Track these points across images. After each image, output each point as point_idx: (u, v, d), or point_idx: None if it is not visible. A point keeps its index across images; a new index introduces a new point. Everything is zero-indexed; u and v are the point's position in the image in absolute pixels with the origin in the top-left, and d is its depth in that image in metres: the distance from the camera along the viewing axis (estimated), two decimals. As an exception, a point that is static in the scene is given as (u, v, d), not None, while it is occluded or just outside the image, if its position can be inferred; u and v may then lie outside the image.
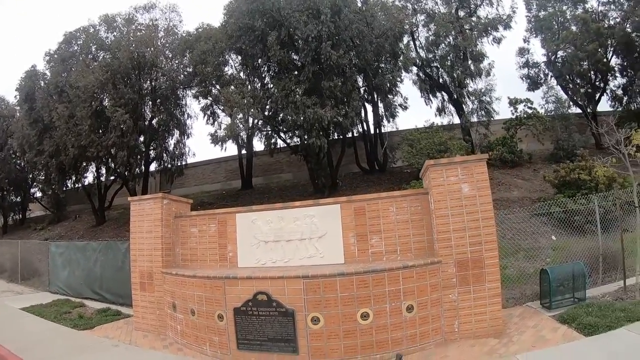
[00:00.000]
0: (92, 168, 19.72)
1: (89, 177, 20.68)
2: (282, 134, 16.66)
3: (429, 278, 5.95)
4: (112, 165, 16.63)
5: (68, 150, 16.28)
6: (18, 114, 21.59)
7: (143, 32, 17.21)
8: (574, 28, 18.74)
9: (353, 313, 5.59)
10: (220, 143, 14.72)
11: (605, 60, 19.06)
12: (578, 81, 19.63)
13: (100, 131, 16.40)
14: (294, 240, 7.15)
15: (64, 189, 19.77)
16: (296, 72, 14.18)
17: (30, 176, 23.32)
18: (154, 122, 17.82)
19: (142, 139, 17.47)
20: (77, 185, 20.79)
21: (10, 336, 7.72)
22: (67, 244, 13.23)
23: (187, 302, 6.75)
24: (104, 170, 19.45)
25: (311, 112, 12.87)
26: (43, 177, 20.65)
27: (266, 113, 14.45)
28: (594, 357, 4.84)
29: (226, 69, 17.51)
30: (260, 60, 15.20)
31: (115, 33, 17.82)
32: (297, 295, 5.71)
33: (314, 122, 13.04)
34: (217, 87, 16.45)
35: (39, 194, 24.80)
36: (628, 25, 18.71)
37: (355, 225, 6.93)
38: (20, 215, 25.34)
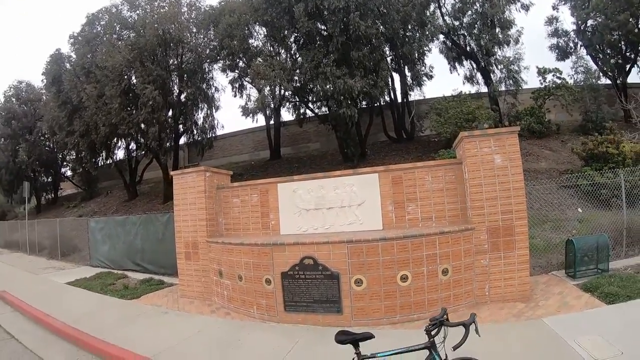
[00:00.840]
0: (122, 144, 20.56)
1: (120, 154, 21.57)
2: (310, 105, 17.04)
3: (463, 244, 6.45)
4: (143, 140, 17.24)
5: (99, 129, 16.95)
6: (45, 98, 22.53)
7: (166, 8, 17.52)
8: (605, -5, 18.19)
9: (393, 275, 6.15)
10: (251, 115, 15.19)
11: (637, 30, 18.53)
12: (608, 51, 19.17)
13: (130, 108, 17.02)
14: (334, 208, 7.73)
15: (96, 166, 20.64)
16: (324, 43, 14.38)
17: (60, 156, 24.41)
18: (182, 96, 18.36)
19: (170, 113, 18.05)
20: (107, 162, 21.75)
21: (61, 310, 8.28)
22: (106, 219, 14.11)
23: (235, 269, 7.42)
24: (133, 146, 20.33)
25: (341, 82, 13.16)
26: (74, 157, 21.61)
27: (295, 84, 14.73)
28: (614, 323, 5.22)
29: (252, 41, 17.77)
30: (287, 31, 15.39)
31: (138, 11, 18.12)
32: (342, 259, 6.29)
33: (344, 93, 13.32)
34: (244, 60, 16.78)
35: (69, 173, 25.97)
36: None
37: (392, 194, 7.44)
38: (53, 195, 26.69)
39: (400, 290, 6.13)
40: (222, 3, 18.33)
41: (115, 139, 19.26)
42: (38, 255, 16.92)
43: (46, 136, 23.25)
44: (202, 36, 18.11)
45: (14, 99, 25.32)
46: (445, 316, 3.26)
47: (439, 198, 7.18)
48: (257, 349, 5.55)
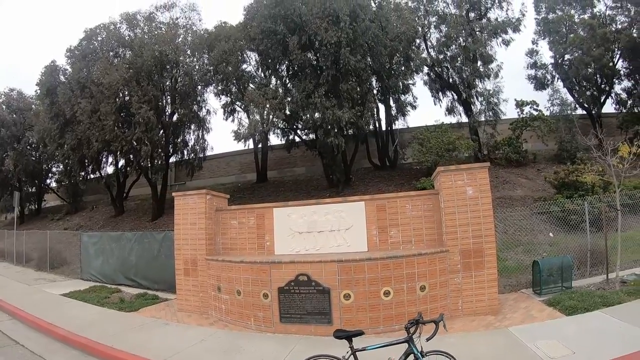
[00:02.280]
0: (112, 160, 21.39)
1: (109, 169, 22.32)
2: (298, 131, 18.26)
3: (438, 264, 7.62)
4: (136, 159, 18.08)
5: (92, 144, 17.80)
6: (34, 107, 23.23)
7: (164, 30, 18.73)
8: (581, 32, 20.18)
9: (377, 291, 7.24)
10: (243, 140, 16.29)
11: (611, 64, 20.53)
12: (584, 83, 21.12)
13: (124, 126, 17.96)
14: (324, 232, 8.86)
15: (85, 180, 21.32)
16: (315, 74, 15.70)
17: (45, 167, 24.96)
18: (174, 117, 19.40)
19: (162, 133, 19.01)
20: (92, 176, 22.46)
21: (63, 319, 8.82)
22: (100, 234, 14.88)
23: (234, 284, 8.39)
24: (122, 162, 21.12)
25: (330, 113, 14.47)
26: (61, 169, 22.24)
27: (286, 112, 15.94)
28: (570, 330, 6.34)
29: (245, 66, 19.09)
30: (280, 61, 16.72)
31: (136, 31, 19.28)
32: (332, 276, 7.35)
33: (332, 123, 14.65)
34: (237, 85, 17.99)
35: (53, 185, 26.47)
36: (634, 30, 20.12)
37: (377, 220, 8.64)
38: (36, 206, 27.05)
39: (383, 304, 7.21)
40: (217, 27, 19.61)
41: (106, 154, 20.08)
42: (25, 266, 17.39)
43: (33, 146, 23.82)
44: (196, 59, 19.27)
45: (4, 107, 25.91)
46: (420, 317, 4.37)
47: (418, 224, 8.42)
48: (257, 355, 6.49)
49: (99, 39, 19.75)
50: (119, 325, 8.55)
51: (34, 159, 24.78)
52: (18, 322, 9.28)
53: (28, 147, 24.41)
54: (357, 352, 4.26)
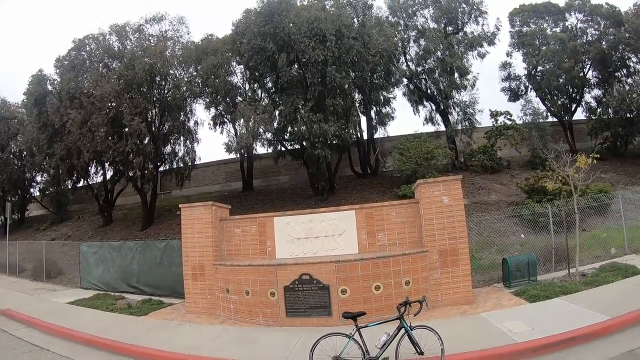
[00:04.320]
0: (100, 170, 22.38)
1: (98, 179, 23.21)
2: (285, 142, 19.86)
3: (420, 262, 9.37)
4: (128, 169, 19.19)
5: (83, 155, 18.86)
6: (19, 116, 24.01)
7: (153, 43, 20.01)
8: (553, 45, 22.50)
9: (369, 286, 8.94)
10: (234, 151, 17.77)
11: (581, 74, 22.91)
12: (556, 93, 23.45)
13: (115, 137, 19.07)
14: (320, 237, 10.56)
15: (74, 189, 22.28)
16: (303, 89, 17.36)
17: (29, 176, 25.70)
18: (164, 128, 20.67)
19: (153, 144, 20.19)
20: (78, 185, 23.35)
21: (80, 325, 9.73)
22: (100, 244, 16.10)
23: (242, 286, 9.91)
24: (110, 172, 22.17)
25: (317, 127, 16.13)
26: (46, 178, 23.02)
27: (275, 125, 17.52)
28: (532, 313, 8.09)
29: (232, 78, 20.58)
30: (268, 77, 18.32)
31: (126, 42, 20.44)
32: (331, 274, 9.00)
33: (318, 136, 16.30)
34: (226, 99, 19.46)
35: (37, 194, 27.19)
36: (604, 43, 22.55)
37: (366, 225, 10.39)
38: (19, 215, 27.70)
39: (374, 297, 8.89)
40: (204, 40, 21.02)
41: (94, 164, 21.15)
42: (19, 277, 18.25)
43: (17, 155, 24.51)
44: (185, 72, 20.61)
45: (-13, 115, 26.19)
46: (408, 299, 6.08)
47: (402, 228, 10.23)
48: (271, 344, 8.01)
49: (88, 49, 20.77)
50: (136, 327, 9.70)
51: (17, 167, 25.49)
52: (34, 329, 10.15)
53: (11, 156, 25.09)
54: (361, 329, 5.92)
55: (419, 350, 5.81)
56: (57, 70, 20.98)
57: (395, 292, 8.94)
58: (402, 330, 5.93)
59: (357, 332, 5.92)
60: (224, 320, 10.30)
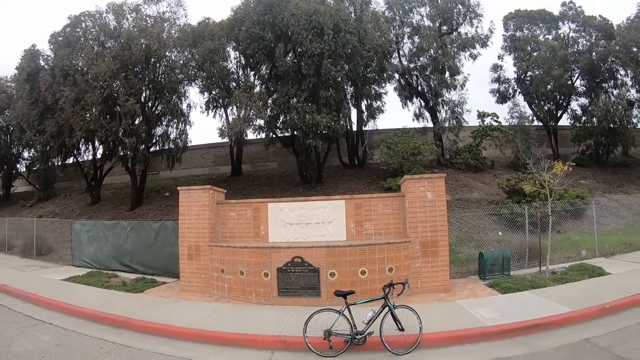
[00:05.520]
0: (90, 148, 22.83)
1: (87, 157, 23.59)
2: (276, 130, 20.62)
3: (403, 251, 10.39)
4: (121, 149, 19.73)
5: (75, 133, 19.30)
6: (7, 90, 24.13)
7: (151, 24, 20.41)
8: (544, 52, 23.65)
9: (356, 270, 9.91)
10: (227, 137, 18.47)
11: (569, 82, 24.14)
12: (543, 98, 24.68)
13: (108, 117, 19.53)
14: (311, 224, 11.48)
15: (63, 166, 22.64)
16: (298, 80, 18.10)
17: (15, 152, 25.89)
18: (157, 110, 21.20)
19: (146, 126, 20.73)
20: (64, 162, 23.72)
21: (78, 301, 10.00)
22: (94, 223, 16.70)
23: (237, 266, 10.77)
24: (101, 150, 22.58)
25: (310, 117, 16.96)
26: (36, 154, 23.27)
27: (268, 112, 18.26)
28: (503, 303, 9.15)
29: (227, 63, 21.15)
30: (264, 66, 19.01)
31: (123, 22, 20.78)
32: (321, 258, 9.93)
33: (311, 126, 17.13)
34: (222, 84, 20.08)
35: (23, 170, 27.37)
36: (594, 54, 23.77)
37: (354, 215, 11.38)
38: (4, 191, 27.86)
39: (360, 281, 9.86)
40: (201, 24, 21.55)
41: (84, 142, 21.55)
42: (8, 254, 18.72)
43: (4, 130, 24.64)
44: (181, 55, 21.10)
45: (-24, 88, 26.13)
46: (392, 282, 7.05)
47: (387, 219, 11.25)
48: (265, 320, 8.81)
49: (83, 26, 21.11)
50: (134, 303, 10.23)
51: (3, 142, 25.64)
52: (33, 305, 10.40)
53: (-1, 130, 25.32)
54: (350, 306, 6.88)
55: (400, 327, 6.78)
56: (52, 47, 21.28)
57: (379, 277, 9.90)
58: (386, 309, 6.90)
59: (346, 308, 6.88)
60: (218, 298, 11.13)
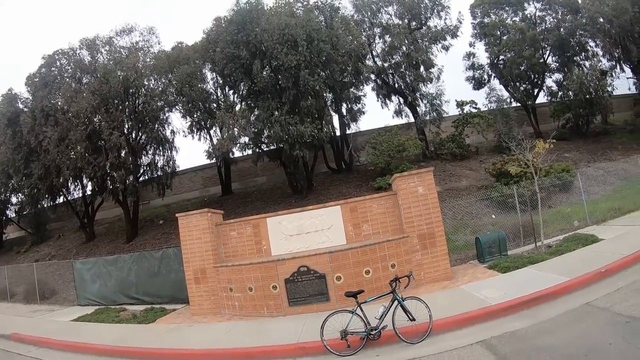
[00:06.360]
0: (79, 186, 22.93)
1: (77, 194, 23.69)
2: (262, 145, 21.02)
3: (402, 246, 10.87)
4: (110, 183, 19.96)
5: (63, 172, 19.50)
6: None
7: (125, 55, 20.73)
8: (513, 35, 24.45)
9: (360, 271, 10.37)
10: (215, 158, 18.84)
11: (541, 61, 24.99)
12: (518, 79, 25.49)
13: (94, 152, 19.63)
14: (311, 232, 11.93)
15: (55, 207, 22.76)
16: (278, 94, 18.57)
17: (3, 198, 25.83)
18: (141, 140, 21.47)
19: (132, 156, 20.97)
20: (59, 201, 23.79)
21: (92, 338, 10.32)
22: (95, 260, 16.84)
23: (245, 283, 11.14)
24: (90, 186, 22.69)
25: (294, 129, 17.41)
26: (24, 198, 23.31)
27: (253, 129, 18.68)
28: (504, 282, 9.65)
29: (205, 85, 21.52)
30: (243, 83, 19.45)
31: (97, 56, 21.09)
32: (326, 264, 10.37)
33: (296, 137, 17.57)
34: (203, 107, 20.45)
35: (12, 215, 27.29)
36: (562, 30, 24.63)
37: (351, 218, 11.86)
38: (-6, 240, 27.77)
39: (366, 280, 10.30)
40: (175, 49, 21.94)
41: (72, 180, 21.68)
42: (11, 302, 18.66)
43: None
44: (158, 82, 21.41)
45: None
46: (397, 275, 7.53)
47: (383, 218, 11.77)
48: (281, 330, 9.21)
49: (59, 64, 21.39)
50: (149, 333, 10.53)
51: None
52: (48, 349, 10.51)
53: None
54: (361, 304, 7.33)
55: (411, 317, 7.24)
56: (29, 89, 21.51)
57: (383, 274, 10.37)
58: (396, 302, 7.36)
59: (358, 307, 7.33)
60: (230, 317, 11.45)
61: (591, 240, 11.62)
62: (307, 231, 11.98)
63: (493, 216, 16.54)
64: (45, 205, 23.39)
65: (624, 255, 9.37)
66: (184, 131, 22.78)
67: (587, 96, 22.88)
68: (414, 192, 11.20)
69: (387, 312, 7.29)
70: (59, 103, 20.08)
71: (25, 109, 21.40)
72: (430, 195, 11.19)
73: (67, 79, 20.77)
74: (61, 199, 23.49)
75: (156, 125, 21.51)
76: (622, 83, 25.96)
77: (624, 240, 10.99)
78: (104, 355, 9.36)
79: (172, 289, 14.05)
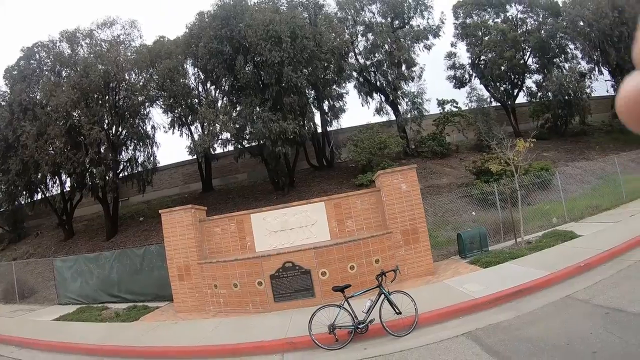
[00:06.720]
0: (57, 182, 22.44)
1: (55, 191, 23.18)
2: (244, 142, 20.98)
3: (386, 242, 11.08)
4: (90, 179, 19.61)
5: (42, 168, 19.03)
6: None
7: (106, 48, 20.35)
8: (495, 36, 24.93)
9: (345, 266, 10.52)
10: (196, 154, 18.71)
11: (522, 62, 25.54)
12: (498, 79, 26.00)
13: (73, 147, 19.21)
14: (295, 229, 12.00)
15: (33, 204, 22.25)
16: (260, 89, 18.55)
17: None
18: (122, 135, 21.15)
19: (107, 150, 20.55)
20: (32, 199, 23.23)
21: (76, 338, 10.01)
22: (75, 258, 16.53)
23: (230, 280, 11.17)
24: (68, 183, 22.27)
25: (276, 125, 17.42)
26: (1, 195, 22.65)
27: (235, 126, 18.61)
28: (486, 276, 9.93)
29: (186, 80, 21.29)
30: (225, 79, 19.35)
31: (77, 49, 20.63)
32: (311, 260, 10.48)
33: (278, 134, 17.59)
34: (185, 102, 20.28)
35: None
36: (543, 32, 25.21)
37: (335, 214, 11.98)
38: (-30, 239, 26.91)
39: (350, 276, 10.45)
40: (157, 43, 21.66)
41: (51, 177, 21.21)
42: (-13, 302, 18.27)
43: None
44: (139, 76, 21.11)
45: None
46: (383, 270, 7.67)
47: (367, 214, 11.94)
48: (267, 326, 9.23)
49: (38, 57, 20.83)
50: (133, 331, 10.28)
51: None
52: (30, 349, 10.14)
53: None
54: (348, 299, 7.45)
55: (397, 311, 7.41)
56: (7, 82, 20.91)
57: (368, 269, 10.56)
58: (382, 296, 7.51)
59: (345, 301, 7.45)
60: (216, 314, 11.45)
61: (570, 237, 11.98)
62: (291, 227, 12.06)
63: (473, 213, 16.85)
64: (22, 202, 22.82)
65: (602, 250, 9.71)
66: (165, 127, 22.61)
67: (566, 97, 23.40)
68: (398, 189, 11.40)
69: (374, 306, 7.44)
70: (38, 97, 19.59)
71: (3, 103, 20.75)
72: (413, 191, 11.42)
73: (47, 73, 20.32)
74: (39, 196, 22.90)
75: (137, 121, 21.22)
76: (600, 85, 26.87)
77: (602, 236, 11.36)
78: (88, 355, 9.18)
79: (155, 286, 13.91)
